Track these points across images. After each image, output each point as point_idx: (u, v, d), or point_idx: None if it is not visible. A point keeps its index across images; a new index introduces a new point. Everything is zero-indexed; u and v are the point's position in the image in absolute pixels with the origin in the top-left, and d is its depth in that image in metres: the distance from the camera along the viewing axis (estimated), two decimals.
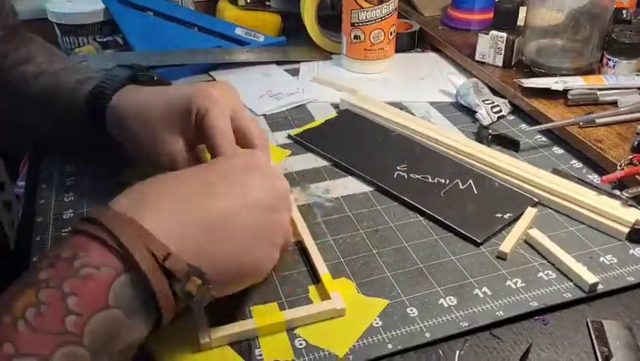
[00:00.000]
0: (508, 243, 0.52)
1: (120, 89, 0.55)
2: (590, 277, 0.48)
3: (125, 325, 0.35)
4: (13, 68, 0.62)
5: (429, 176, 0.61)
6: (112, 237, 0.35)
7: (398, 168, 0.63)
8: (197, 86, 0.51)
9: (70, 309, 0.32)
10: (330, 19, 0.92)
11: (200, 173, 0.43)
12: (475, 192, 0.59)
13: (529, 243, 0.53)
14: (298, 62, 0.90)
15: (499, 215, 0.55)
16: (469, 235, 0.53)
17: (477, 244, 0.53)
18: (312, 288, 0.49)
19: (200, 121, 0.49)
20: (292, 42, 0.95)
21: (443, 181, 0.61)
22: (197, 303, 0.37)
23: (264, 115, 0.76)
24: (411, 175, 0.61)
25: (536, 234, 0.53)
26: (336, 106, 0.77)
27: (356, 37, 0.84)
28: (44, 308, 0.32)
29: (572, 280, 0.49)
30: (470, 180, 0.60)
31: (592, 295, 0.48)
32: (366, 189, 0.61)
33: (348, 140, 0.68)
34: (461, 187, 0.60)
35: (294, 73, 0.88)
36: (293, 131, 0.71)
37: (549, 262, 0.51)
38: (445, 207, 0.57)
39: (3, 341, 0.30)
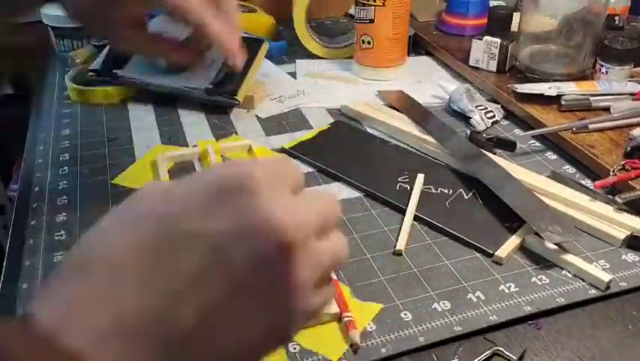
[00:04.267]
0: (505, 248, 0.52)
1: None
2: (605, 276, 0.48)
3: None
4: None
5: (432, 187, 0.61)
6: None
7: (400, 179, 0.62)
8: None
9: None
10: (323, 24, 0.92)
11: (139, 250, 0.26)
12: (480, 201, 0.59)
13: (527, 248, 0.53)
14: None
15: (508, 224, 0.55)
16: (481, 246, 0.53)
17: (490, 255, 0.52)
18: None
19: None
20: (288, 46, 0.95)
21: (447, 191, 0.60)
22: None
23: (260, 119, 0.76)
24: (414, 187, 0.61)
25: (536, 239, 0.53)
26: (331, 111, 0.77)
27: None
28: None
29: (584, 280, 0.49)
30: (473, 190, 0.60)
31: (585, 301, 0.48)
32: (360, 193, 0.61)
33: (345, 152, 0.67)
34: (465, 197, 0.60)
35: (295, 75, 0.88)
36: (287, 145, 0.69)
37: (555, 264, 0.51)
38: (452, 218, 0.56)
39: None
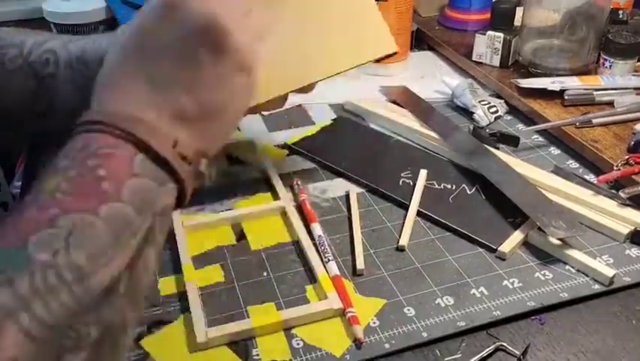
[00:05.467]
0: (509, 244, 0.52)
1: None
2: (609, 271, 0.48)
3: (157, 190, 0.35)
4: (36, 47, 0.60)
5: (435, 182, 0.61)
6: (118, 129, 0.35)
7: (403, 175, 0.62)
8: None
9: (102, 176, 0.33)
10: None
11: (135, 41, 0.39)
12: (483, 197, 0.59)
13: (531, 243, 0.53)
14: None
15: (511, 219, 0.55)
16: (485, 242, 0.53)
17: (493, 250, 0.52)
18: (309, 288, 0.49)
19: None
20: None
21: (450, 187, 0.60)
22: (207, 178, 0.39)
23: (263, 115, 0.76)
24: (416, 182, 0.61)
25: (540, 234, 0.53)
26: (333, 107, 0.77)
27: None
28: (77, 180, 0.32)
29: (587, 275, 0.49)
30: (477, 185, 0.60)
31: (589, 296, 0.48)
32: (363, 189, 0.61)
33: (348, 148, 0.67)
34: (468, 192, 0.59)
35: None
36: (290, 140, 0.69)
37: (559, 260, 0.51)
38: (455, 213, 0.56)
39: (45, 208, 0.31)
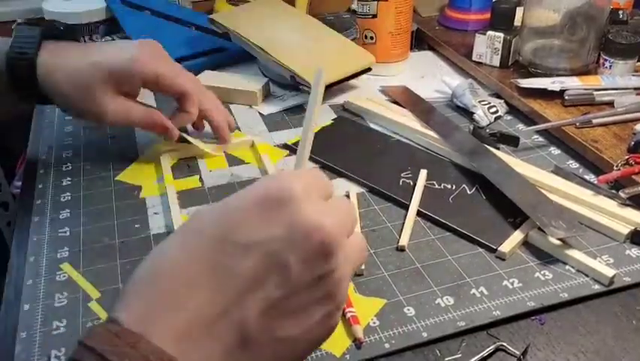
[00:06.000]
0: (509, 244, 0.52)
1: (40, 49, 0.58)
2: (609, 271, 0.48)
3: None
4: None
5: (435, 182, 0.61)
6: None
7: (403, 175, 0.62)
8: (136, 56, 0.59)
9: None
10: (325, 19, 0.92)
11: (208, 257, 0.31)
12: (483, 197, 0.59)
13: (531, 243, 0.53)
14: None
15: (511, 219, 0.55)
16: (485, 242, 0.53)
17: (493, 250, 0.52)
18: None
19: (155, 84, 0.60)
20: None
21: (450, 187, 0.60)
22: None
23: (263, 115, 0.76)
24: (417, 182, 0.61)
25: (540, 234, 0.53)
26: (334, 107, 0.77)
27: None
28: None
29: (587, 275, 0.49)
30: (477, 185, 0.60)
31: (589, 296, 0.48)
32: (363, 189, 0.61)
33: (348, 148, 0.67)
34: (469, 193, 0.59)
35: None
36: (290, 140, 0.69)
37: (558, 260, 0.51)
38: (456, 214, 0.56)
39: None
